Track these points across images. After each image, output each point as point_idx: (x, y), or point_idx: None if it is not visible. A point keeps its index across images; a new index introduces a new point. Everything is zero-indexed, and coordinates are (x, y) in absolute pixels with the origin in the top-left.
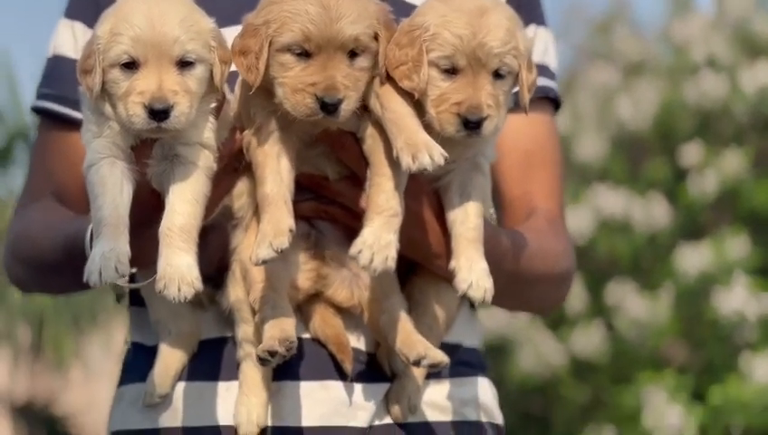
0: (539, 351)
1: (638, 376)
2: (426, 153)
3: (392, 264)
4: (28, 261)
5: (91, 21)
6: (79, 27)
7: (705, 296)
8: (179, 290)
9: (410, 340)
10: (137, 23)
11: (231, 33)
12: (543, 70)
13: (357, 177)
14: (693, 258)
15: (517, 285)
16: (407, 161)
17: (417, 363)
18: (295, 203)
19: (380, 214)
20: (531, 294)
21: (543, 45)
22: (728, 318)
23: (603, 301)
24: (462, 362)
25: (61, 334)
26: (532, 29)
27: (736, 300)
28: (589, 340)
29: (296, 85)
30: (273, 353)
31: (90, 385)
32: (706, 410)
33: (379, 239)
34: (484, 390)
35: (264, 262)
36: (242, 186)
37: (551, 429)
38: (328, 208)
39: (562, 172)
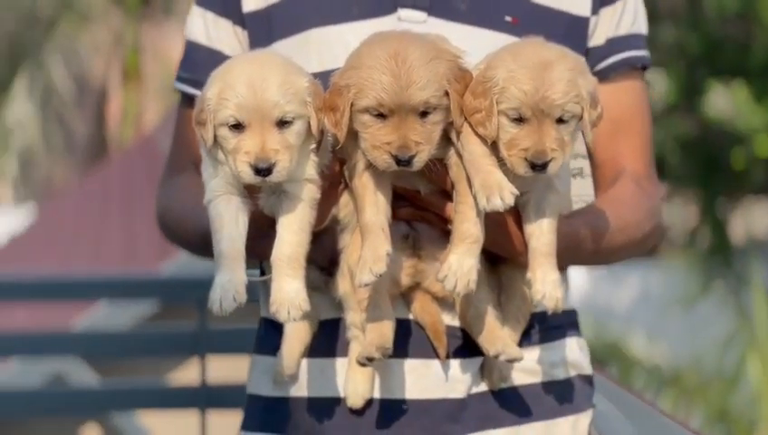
0: None
1: None
2: (497, 195)
3: (473, 286)
4: (174, 234)
5: (219, 10)
6: (210, 17)
7: None
8: (289, 313)
9: (492, 335)
10: (240, 90)
11: (342, 30)
12: (633, 39)
13: (445, 191)
14: None
15: (599, 257)
16: (482, 202)
17: (495, 357)
18: (395, 208)
19: (464, 241)
20: (615, 259)
21: (632, 15)
22: None
23: None
24: (551, 327)
25: None
26: (620, 4)
27: None
28: None
29: (374, 142)
30: (370, 359)
31: None
32: None
33: (462, 266)
34: (572, 348)
35: (367, 285)
36: (346, 197)
37: (749, 55)
38: (423, 214)
39: (651, 134)
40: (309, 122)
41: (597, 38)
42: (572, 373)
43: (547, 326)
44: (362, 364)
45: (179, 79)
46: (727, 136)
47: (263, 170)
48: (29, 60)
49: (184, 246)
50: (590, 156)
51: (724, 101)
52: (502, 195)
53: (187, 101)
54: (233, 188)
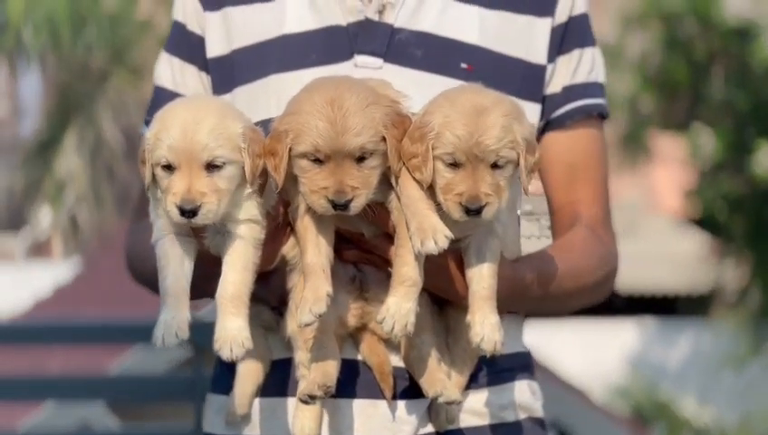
0: None
1: None
2: (431, 239)
3: (411, 329)
4: (139, 276)
5: (185, 56)
6: (176, 62)
7: None
8: (231, 350)
9: (432, 377)
10: (173, 132)
11: (300, 76)
12: (590, 88)
13: (389, 234)
14: None
15: (549, 302)
16: (416, 246)
17: (434, 399)
18: (342, 251)
19: (402, 284)
20: (567, 305)
21: (589, 65)
22: None
23: None
24: (502, 370)
25: None
26: (576, 53)
27: None
28: None
29: (312, 187)
30: (312, 397)
31: None
32: None
33: (400, 309)
34: (522, 391)
35: (307, 325)
36: (294, 239)
37: None
38: (368, 257)
39: (607, 181)
40: (243, 167)
41: (554, 86)
42: (522, 416)
43: (496, 369)
44: (304, 402)
45: (147, 123)
46: None
47: (188, 212)
48: (80, 113)
49: (149, 287)
50: (550, 204)
51: None
52: (436, 238)
53: None
54: (178, 227)
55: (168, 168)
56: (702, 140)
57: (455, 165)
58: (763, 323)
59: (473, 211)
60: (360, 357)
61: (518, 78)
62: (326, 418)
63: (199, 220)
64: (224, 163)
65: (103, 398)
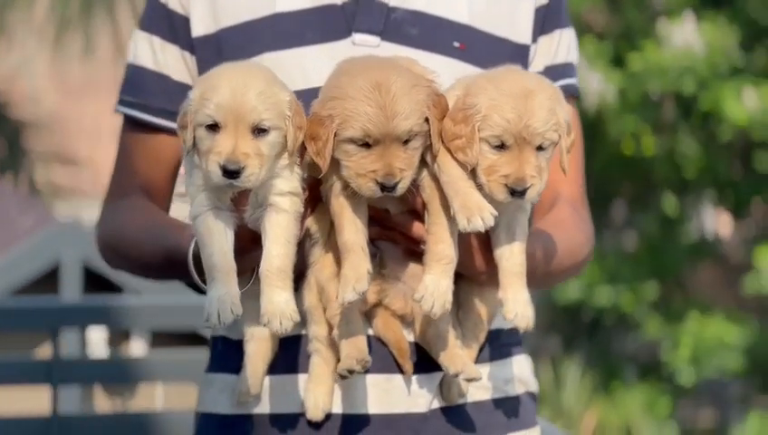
0: None
1: None
2: (478, 216)
3: (449, 306)
4: (128, 259)
5: (166, 35)
6: (156, 41)
7: None
8: (281, 324)
9: (452, 354)
10: (222, 91)
11: (297, 54)
12: (568, 68)
13: (412, 210)
14: None
15: (548, 279)
16: (463, 223)
17: (455, 376)
18: None
19: (439, 262)
20: (558, 281)
21: (567, 46)
22: None
23: None
24: (503, 345)
25: None
26: (557, 34)
27: None
28: None
29: (359, 170)
30: (351, 371)
31: None
32: (625, 75)
33: (438, 286)
34: (521, 365)
35: (350, 303)
36: (318, 212)
37: None
38: (390, 234)
39: (583, 160)
40: (285, 136)
41: (536, 65)
42: (521, 390)
43: (498, 344)
44: (343, 377)
45: (123, 103)
46: None
47: (231, 172)
48: None
49: (128, 269)
50: None
51: None
52: (482, 216)
53: (133, 125)
54: (219, 201)
55: (213, 128)
56: None
57: (500, 147)
58: None
59: (518, 192)
60: (370, 332)
61: (506, 57)
62: (339, 393)
63: (241, 183)
64: (269, 128)
65: None
